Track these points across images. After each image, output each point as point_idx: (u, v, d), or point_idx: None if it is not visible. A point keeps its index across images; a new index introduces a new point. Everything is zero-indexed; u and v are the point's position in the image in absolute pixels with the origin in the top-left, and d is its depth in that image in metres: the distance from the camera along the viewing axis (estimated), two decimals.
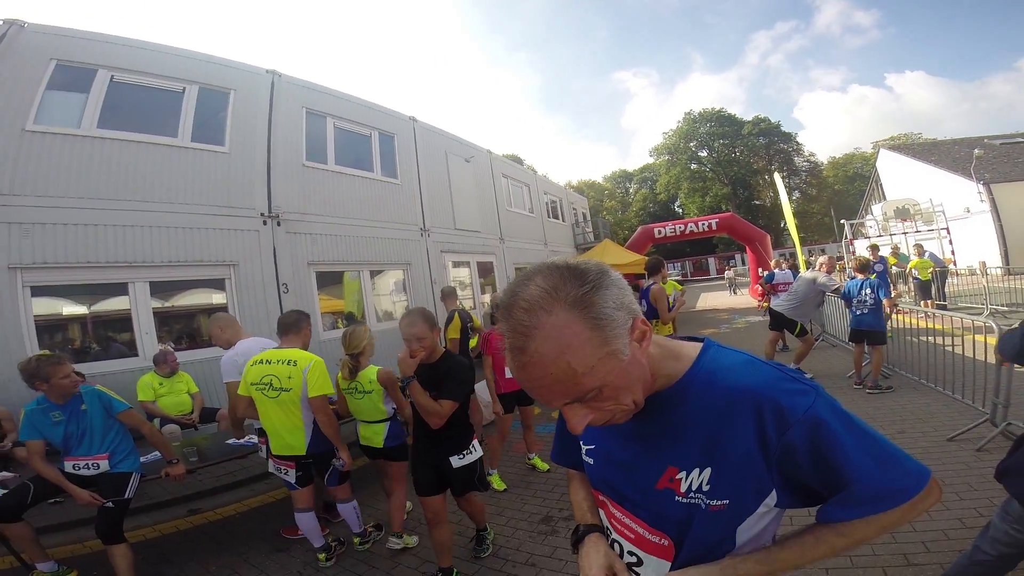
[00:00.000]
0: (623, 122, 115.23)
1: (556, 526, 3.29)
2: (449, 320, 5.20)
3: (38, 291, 4.82)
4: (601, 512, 1.02)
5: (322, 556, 3.03)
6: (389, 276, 8.97)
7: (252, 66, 7.09)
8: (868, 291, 5.34)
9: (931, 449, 3.67)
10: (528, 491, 3.91)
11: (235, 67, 6.81)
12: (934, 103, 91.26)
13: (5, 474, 3.48)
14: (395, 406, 3.15)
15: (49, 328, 4.99)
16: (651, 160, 53.57)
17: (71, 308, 5.19)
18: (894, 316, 5.78)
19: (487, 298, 10.75)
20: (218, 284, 6.18)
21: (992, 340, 3.73)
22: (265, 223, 6.58)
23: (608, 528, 0.99)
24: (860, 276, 5.56)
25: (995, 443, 3.52)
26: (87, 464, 2.76)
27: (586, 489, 1.10)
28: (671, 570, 0.88)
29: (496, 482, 3.96)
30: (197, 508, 4.03)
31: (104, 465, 2.77)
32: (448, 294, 5.58)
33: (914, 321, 5.94)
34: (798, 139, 48.52)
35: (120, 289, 5.36)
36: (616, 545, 0.96)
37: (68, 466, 2.77)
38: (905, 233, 15.13)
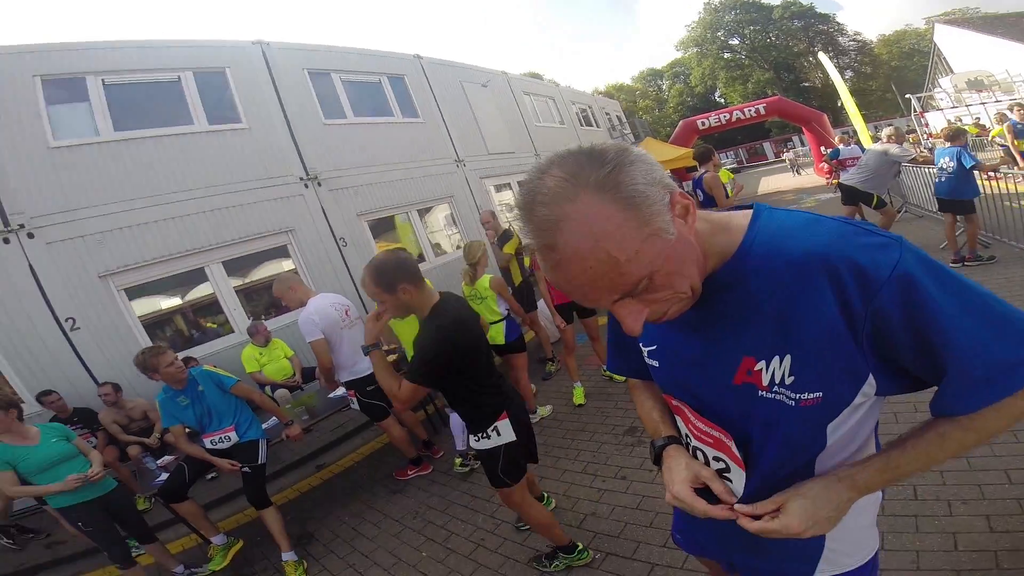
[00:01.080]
0: (639, 21, 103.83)
1: (642, 436, 3.27)
2: (507, 238, 4.89)
3: (132, 293, 5.26)
4: (678, 419, 0.92)
5: (458, 461, 3.54)
6: (437, 212, 9.23)
7: (238, 41, 6.95)
8: (947, 159, 5.06)
9: None
10: (609, 402, 3.89)
11: (220, 46, 6.69)
12: None
13: (166, 458, 3.95)
14: (508, 307, 3.78)
15: (156, 324, 5.52)
16: (679, 55, 49.11)
17: (167, 301, 5.68)
18: (987, 184, 5.36)
19: None
20: (282, 251, 6.53)
21: None
22: (307, 185, 6.78)
23: (687, 435, 0.89)
24: (949, 145, 5.16)
25: None
26: (220, 438, 3.09)
27: (653, 398, 1.01)
28: (749, 478, 0.81)
29: (577, 396, 4.02)
30: (323, 463, 4.39)
31: (234, 437, 3.09)
32: (486, 220, 5.33)
33: (1011, 186, 5.37)
34: (838, 20, 43.26)
35: (200, 275, 5.78)
36: (700, 454, 0.86)
37: (207, 443, 3.10)
38: (983, 103, 13.56)
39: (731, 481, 0.83)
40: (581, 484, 3.00)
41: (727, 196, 4.89)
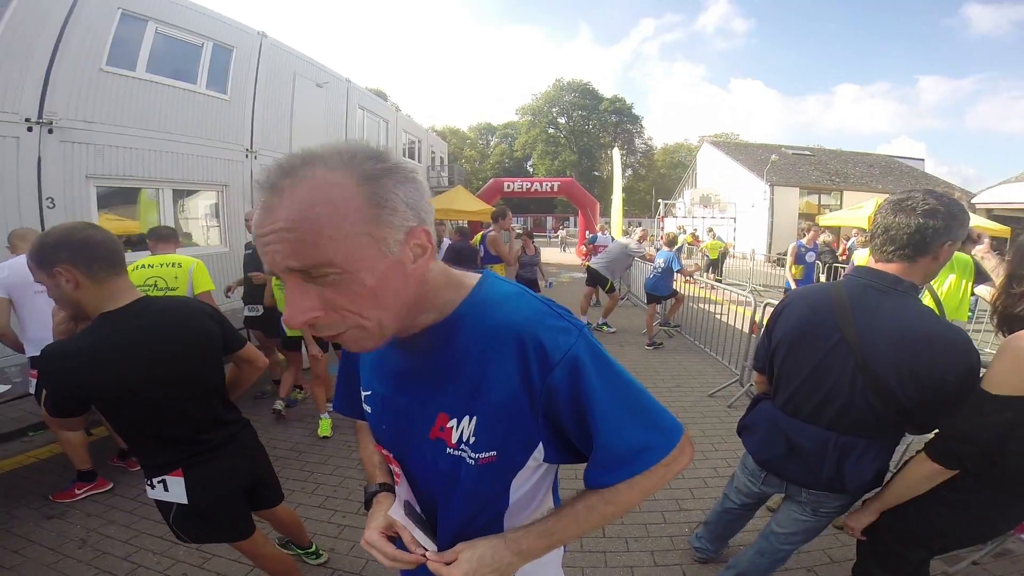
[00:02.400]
0: (500, 75, 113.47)
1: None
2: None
3: None
4: (391, 468, 0.92)
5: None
6: (203, 197, 8.06)
7: None
8: (661, 260, 6.49)
9: (697, 403, 4.39)
10: (356, 437, 3.74)
11: None
12: (759, 109, 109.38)
13: None
14: None
15: None
16: (516, 119, 54.51)
17: None
18: (684, 285, 7.14)
19: None
20: None
21: (749, 312, 4.59)
22: (30, 129, 5.28)
23: (396, 485, 0.91)
24: (667, 249, 6.73)
25: (741, 401, 4.19)
26: None
27: (373, 443, 1.00)
28: (441, 532, 0.83)
29: (323, 427, 3.78)
30: None
31: None
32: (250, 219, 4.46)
33: (698, 291, 7.35)
34: (643, 123, 54.18)
35: None
36: (406, 504, 0.88)
37: None
38: (703, 218, 18.27)
39: (424, 534, 0.83)
40: (319, 519, 2.78)
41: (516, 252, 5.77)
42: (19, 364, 3.26)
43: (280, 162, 0.59)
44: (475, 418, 0.73)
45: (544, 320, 0.71)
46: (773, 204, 22.08)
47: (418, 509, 0.86)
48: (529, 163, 52.97)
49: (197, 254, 6.88)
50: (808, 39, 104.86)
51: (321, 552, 2.47)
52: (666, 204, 18.88)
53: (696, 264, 10.99)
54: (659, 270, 6.43)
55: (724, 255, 14.01)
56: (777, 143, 30.16)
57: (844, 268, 8.27)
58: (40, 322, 2.74)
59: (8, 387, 3.25)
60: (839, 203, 22.74)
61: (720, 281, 11.31)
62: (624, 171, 26.48)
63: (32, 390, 2.89)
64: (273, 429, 3.84)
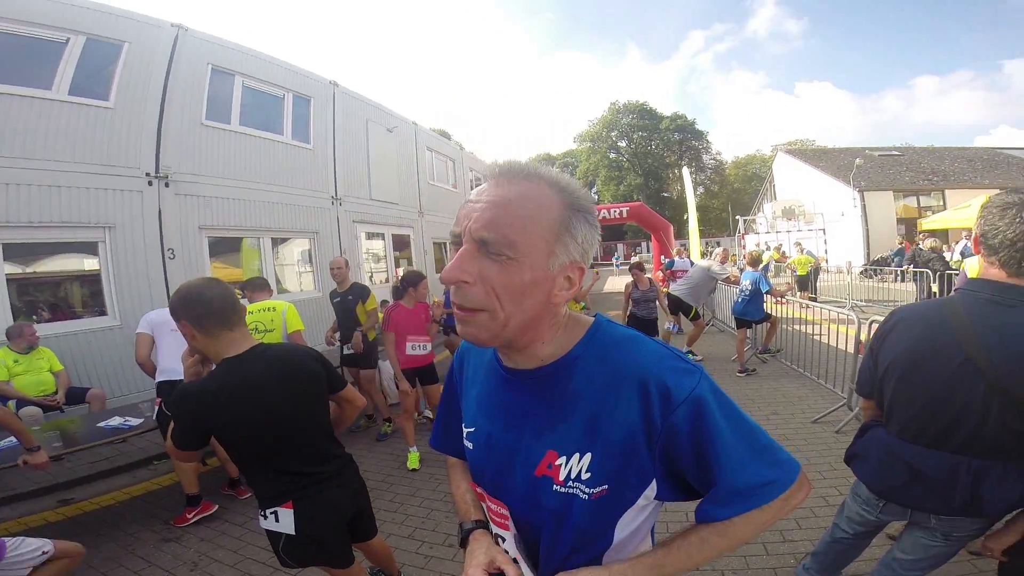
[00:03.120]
0: (554, 104, 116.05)
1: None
2: (365, 293, 4.59)
3: None
4: (483, 505, 0.94)
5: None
6: (294, 244, 8.55)
7: (154, 18, 6.23)
8: (747, 282, 6.01)
9: (799, 430, 4.12)
10: (442, 469, 3.80)
11: (133, 18, 5.94)
12: (832, 112, 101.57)
13: None
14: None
15: None
16: (574, 146, 54.86)
17: None
18: (775, 306, 6.54)
19: (400, 271, 10.60)
20: (90, 248, 5.46)
21: (851, 331, 4.27)
22: (150, 183, 5.90)
23: (490, 523, 0.93)
24: (751, 269, 6.21)
25: (850, 426, 3.91)
26: None
27: (468, 480, 1.03)
28: (540, 567, 0.84)
29: (412, 460, 3.91)
30: (69, 498, 3.62)
31: None
32: (339, 267, 4.62)
33: (791, 311, 6.75)
34: (708, 137, 52.07)
35: None
36: (499, 540, 0.90)
37: None
38: (789, 231, 17.00)
39: (524, 569, 0.85)
40: (407, 550, 2.83)
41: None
42: (151, 399, 3.59)
43: (514, 162, 0.74)
44: (590, 455, 0.76)
45: (667, 362, 0.76)
46: (865, 211, 20.05)
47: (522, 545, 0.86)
48: (593, 190, 52.68)
49: (292, 300, 7.28)
50: (869, 33, 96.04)
51: None
52: (745, 220, 17.86)
53: (787, 284, 10.08)
54: (747, 293, 5.98)
55: (816, 270, 12.82)
56: (859, 146, 27.61)
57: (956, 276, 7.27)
58: (170, 356, 3.26)
59: (141, 420, 3.60)
60: (942, 203, 20.19)
61: (815, 299, 10.37)
62: (695, 189, 25.42)
63: (155, 416, 3.33)
64: (366, 461, 3.95)
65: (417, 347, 3.94)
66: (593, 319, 0.84)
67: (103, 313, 5.48)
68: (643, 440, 0.74)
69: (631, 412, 0.74)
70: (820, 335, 5.61)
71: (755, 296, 5.97)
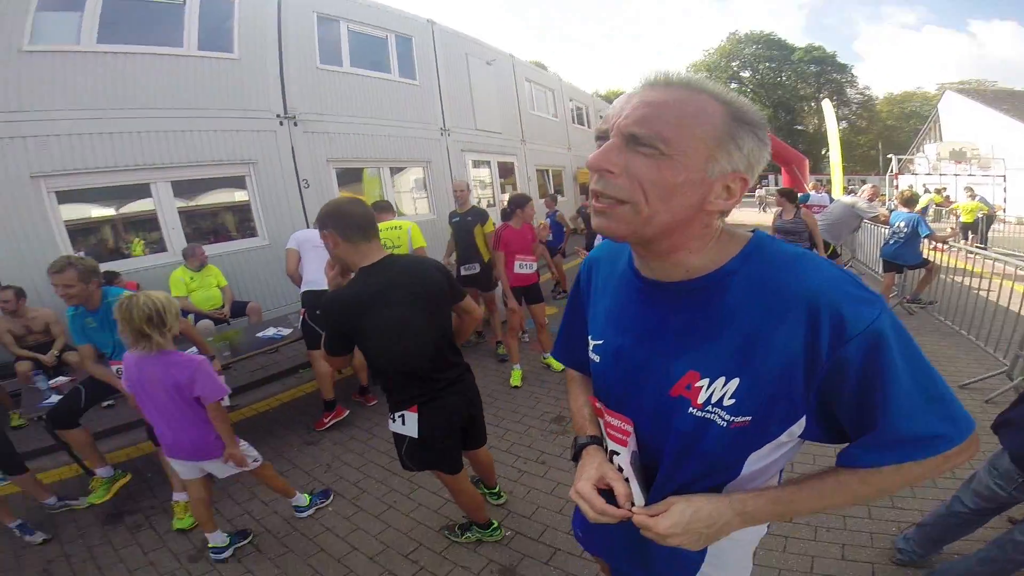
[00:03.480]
0: (662, 37, 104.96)
1: (567, 426, 3.38)
2: (483, 217, 4.57)
3: (64, 197, 4.90)
4: (600, 421, 0.91)
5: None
6: (409, 174, 9.20)
7: None
8: (902, 223, 5.30)
9: None
10: (542, 389, 4.00)
11: None
12: (1019, 54, 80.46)
13: (60, 379, 3.54)
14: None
15: (82, 232, 5.15)
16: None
17: (99, 211, 5.32)
18: (934, 254, 5.65)
19: (506, 197, 10.92)
20: (239, 182, 6.28)
21: None
22: (281, 123, 6.58)
23: (604, 438, 0.89)
24: (904, 209, 5.46)
25: (1005, 397, 3.41)
26: None
27: (587, 394, 1.02)
28: (653, 489, 0.82)
29: (515, 377, 4.09)
30: (234, 405, 4.09)
31: None
32: (461, 189, 4.73)
33: (953, 260, 5.73)
34: (853, 72, 44.57)
35: (143, 191, 5.46)
36: (614, 456, 0.86)
37: (112, 370, 2.79)
38: (956, 175, 14.21)
39: (635, 489, 0.81)
40: (503, 463, 3.01)
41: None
42: (297, 311, 4.06)
43: (671, 71, 0.68)
44: (738, 380, 0.70)
45: (845, 288, 0.66)
46: None
47: (639, 462, 0.83)
48: None
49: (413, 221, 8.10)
50: None
51: (502, 493, 2.64)
52: (900, 160, 15.21)
53: (952, 228, 8.59)
54: (902, 235, 5.25)
55: (989, 220, 10.65)
56: None
57: None
58: (313, 269, 3.66)
59: (291, 330, 4.13)
60: None
61: (985, 248, 8.68)
62: (838, 123, 21.97)
63: (300, 326, 3.78)
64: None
65: (524, 266, 4.05)
66: (752, 233, 0.76)
67: (255, 235, 6.40)
68: (801, 371, 0.66)
69: (794, 339, 0.66)
70: (986, 291, 4.72)
71: (912, 239, 5.25)
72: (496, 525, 2.34)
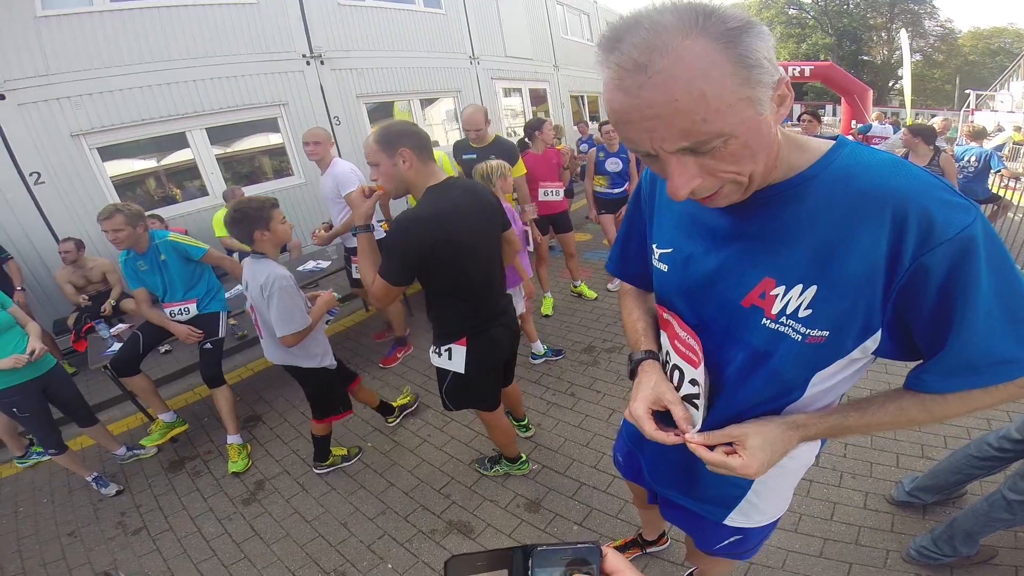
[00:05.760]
0: None
1: (597, 357, 3.37)
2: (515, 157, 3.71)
3: (107, 153, 5.04)
4: (663, 333, 0.89)
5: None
6: (440, 105, 9.03)
7: None
8: (972, 157, 4.88)
9: None
10: (573, 319, 3.94)
11: None
12: None
13: (120, 326, 3.67)
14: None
15: (128, 185, 5.33)
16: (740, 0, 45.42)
17: (142, 164, 5.46)
18: (1005, 192, 5.23)
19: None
20: (272, 125, 6.31)
21: None
22: (308, 63, 6.47)
23: (669, 352, 0.86)
24: (973, 144, 5.04)
25: None
26: (180, 309, 2.91)
27: (641, 308, 0.99)
28: (713, 410, 0.80)
29: (546, 306, 4.07)
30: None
31: (193, 309, 2.92)
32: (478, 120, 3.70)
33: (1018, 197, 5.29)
34: (934, 2, 39.16)
35: (181, 140, 5.56)
36: (677, 372, 0.84)
37: (166, 313, 2.92)
38: None
39: (697, 409, 0.79)
40: (532, 394, 3.06)
41: None
42: (336, 244, 4.07)
43: (621, 35, 0.56)
44: (815, 288, 0.66)
45: (936, 192, 0.61)
46: None
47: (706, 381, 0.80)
48: None
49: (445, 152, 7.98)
50: None
51: (530, 426, 2.72)
52: (979, 95, 13.69)
53: None
54: (971, 169, 4.82)
55: None
56: None
57: None
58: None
59: (329, 263, 4.27)
60: None
61: None
62: (912, 55, 19.76)
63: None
64: None
65: (550, 193, 3.86)
66: (836, 140, 0.70)
67: (290, 174, 6.53)
68: (882, 279, 0.63)
69: (877, 243, 0.62)
70: None
71: (982, 172, 4.85)
72: (524, 459, 2.43)
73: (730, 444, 0.74)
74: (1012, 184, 5.21)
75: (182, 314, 2.92)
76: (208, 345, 2.91)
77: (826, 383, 0.74)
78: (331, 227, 3.38)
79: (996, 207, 5.07)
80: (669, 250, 0.84)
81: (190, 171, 5.71)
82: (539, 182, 3.79)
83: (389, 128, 1.67)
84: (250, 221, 2.10)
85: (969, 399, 0.66)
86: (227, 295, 3.31)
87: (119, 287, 4.14)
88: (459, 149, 3.73)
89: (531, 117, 10.93)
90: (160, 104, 5.22)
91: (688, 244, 0.80)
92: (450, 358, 1.85)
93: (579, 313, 4.03)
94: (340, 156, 4.45)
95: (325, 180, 3.36)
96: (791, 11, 41.17)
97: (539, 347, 3.42)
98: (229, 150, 6.03)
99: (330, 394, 2.44)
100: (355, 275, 3.55)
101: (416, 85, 8.08)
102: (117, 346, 3.16)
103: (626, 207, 1.03)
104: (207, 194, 5.73)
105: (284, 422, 3.20)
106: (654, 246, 0.89)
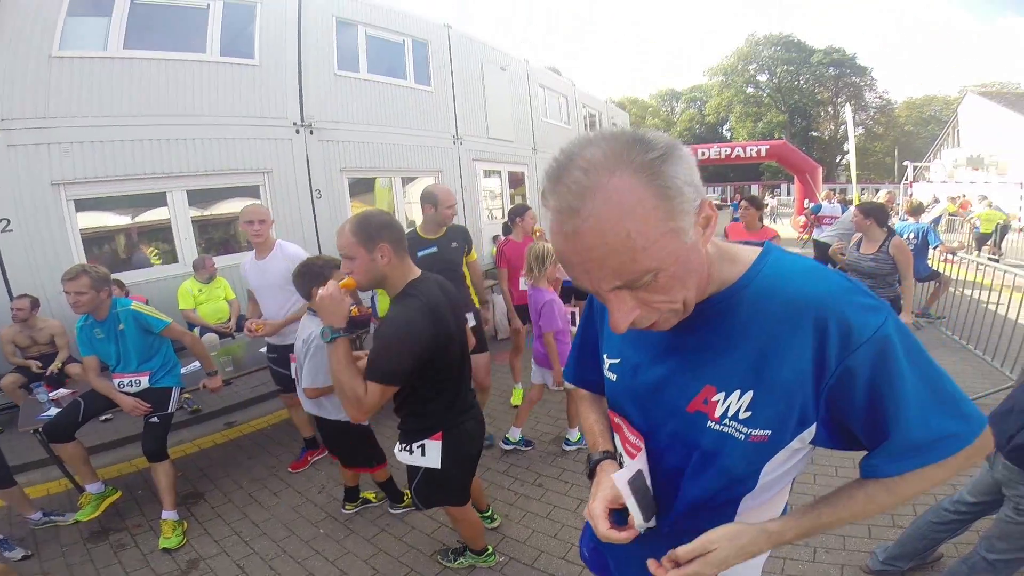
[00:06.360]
0: (678, 40, 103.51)
1: (565, 447, 3.34)
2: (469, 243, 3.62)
3: (82, 205, 5.02)
4: (615, 436, 0.93)
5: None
6: (420, 183, 9.09)
7: None
8: (911, 234, 5.22)
9: None
10: (542, 410, 3.90)
11: None
12: None
13: (61, 391, 3.52)
14: None
15: (96, 240, 5.25)
16: (703, 81, 49.30)
17: (114, 219, 5.41)
18: (945, 266, 5.57)
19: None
20: (253, 191, 6.35)
21: None
22: (298, 132, 6.63)
23: (621, 454, 0.91)
24: (912, 219, 5.42)
25: None
26: (131, 381, 2.80)
27: (598, 412, 1.04)
28: (673, 507, 0.83)
29: (516, 396, 4.05)
30: (233, 421, 4.08)
31: (145, 382, 2.81)
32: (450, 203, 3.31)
33: (964, 273, 5.65)
34: (872, 74, 43.59)
35: (159, 199, 5.56)
36: (638, 472, 0.87)
37: (115, 383, 2.81)
38: (972, 183, 13.93)
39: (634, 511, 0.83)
40: (500, 485, 3.01)
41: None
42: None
43: (559, 175, 0.61)
44: (752, 392, 0.71)
45: (850, 297, 0.67)
46: None
47: (648, 481, 0.84)
48: (726, 127, 47.45)
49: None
50: None
51: (496, 516, 2.65)
52: (916, 167, 14.97)
53: (959, 243, 8.44)
54: (912, 246, 5.11)
55: (1004, 229, 10.45)
56: None
57: None
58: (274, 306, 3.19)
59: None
60: None
61: (998, 260, 8.50)
62: (855, 129, 21.63)
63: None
64: None
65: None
66: (761, 247, 0.78)
67: None
68: (811, 381, 0.68)
69: (803, 349, 0.67)
70: (996, 304, 4.60)
71: (922, 249, 5.18)
72: (491, 551, 2.35)
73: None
74: (950, 258, 5.56)
75: (132, 386, 2.80)
76: (155, 419, 2.78)
77: (776, 472, 0.79)
78: (260, 318, 3.16)
79: (937, 283, 5.40)
80: (618, 360, 0.89)
81: (162, 232, 5.65)
82: (519, 271, 3.71)
83: (369, 220, 1.64)
84: (312, 277, 2.26)
85: (926, 475, 0.70)
86: (184, 370, 3.18)
87: (67, 351, 3.97)
88: (415, 245, 3.02)
89: (509, 200, 11.22)
90: (147, 160, 5.23)
91: (635, 355, 0.86)
92: (423, 454, 1.80)
93: (548, 404, 3.98)
94: (298, 233, 4.42)
95: (270, 264, 3.05)
96: (749, 90, 44.90)
97: (516, 433, 3.37)
98: (206, 213, 6.02)
99: (354, 446, 2.59)
100: (291, 374, 2.86)
101: (399, 162, 8.21)
102: (54, 411, 3.00)
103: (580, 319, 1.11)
104: (176, 260, 5.64)
105: (228, 502, 3.04)
106: (605, 356, 0.94)
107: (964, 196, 13.83)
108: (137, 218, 5.56)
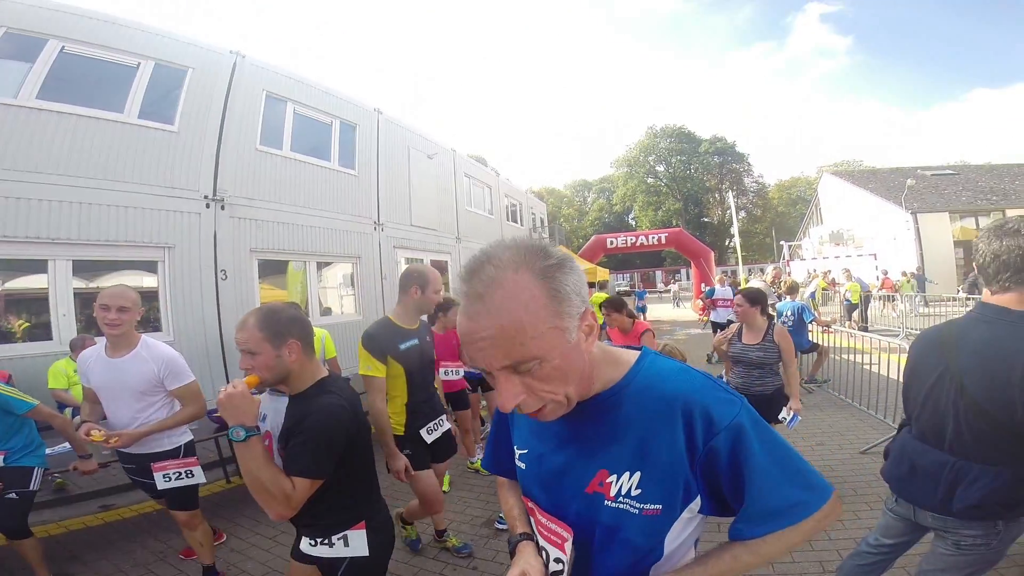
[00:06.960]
0: (591, 131, 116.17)
1: (497, 528, 3.30)
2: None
3: None
4: (531, 519, 1.02)
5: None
6: (337, 268, 8.75)
7: (214, 45, 6.70)
8: (788, 312, 5.88)
9: (847, 461, 3.96)
10: (471, 494, 3.92)
11: (196, 45, 6.43)
12: (882, 131, 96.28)
13: None
14: None
15: None
16: (611, 172, 54.88)
17: None
18: (822, 336, 6.27)
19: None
20: (150, 267, 5.79)
21: (904, 360, 4.05)
22: (208, 206, 6.20)
23: (536, 535, 0.99)
24: (789, 298, 6.13)
25: None
26: None
27: (516, 496, 1.12)
28: None
29: (443, 483, 3.83)
30: (110, 504, 3.82)
31: (0, 461, 2.60)
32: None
33: (839, 340, 6.45)
34: (750, 160, 50.94)
35: (39, 266, 4.93)
36: (544, 552, 0.96)
37: None
38: (837, 257, 16.27)
39: None
40: (431, 571, 2.86)
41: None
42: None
43: (475, 268, 0.74)
44: (640, 473, 0.83)
45: (710, 392, 0.83)
46: (919, 234, 18.97)
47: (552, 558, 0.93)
48: (631, 216, 52.35)
49: (334, 323, 7.58)
50: (917, 48, 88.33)
51: None
52: (790, 246, 17.29)
53: (832, 317, 9.66)
54: (790, 323, 5.77)
55: (867, 299, 12.19)
56: (911, 165, 25.63)
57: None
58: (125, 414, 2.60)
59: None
60: None
61: (866, 329, 9.82)
62: (738, 213, 24.80)
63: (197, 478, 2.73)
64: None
65: (451, 372, 4.08)
66: (640, 352, 0.93)
67: (158, 329, 5.69)
68: (686, 461, 0.81)
69: (676, 435, 0.81)
70: (870, 364, 5.36)
71: (799, 326, 5.80)
72: None
73: None
74: (827, 329, 6.39)
75: None
76: (12, 495, 2.58)
77: (679, 539, 0.88)
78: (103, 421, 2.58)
79: (818, 353, 6.09)
80: (526, 451, 1.01)
81: (38, 303, 4.95)
82: (441, 361, 3.89)
83: (277, 315, 1.61)
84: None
85: (783, 537, 0.82)
86: (54, 450, 2.95)
87: None
88: (395, 337, 2.67)
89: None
90: (31, 221, 4.68)
91: (539, 445, 0.97)
92: (346, 544, 1.70)
93: (476, 488, 4.04)
94: (197, 316, 3.90)
95: (129, 365, 2.48)
96: (649, 180, 50.36)
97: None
98: (92, 285, 5.36)
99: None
100: (160, 486, 2.57)
101: (315, 246, 7.78)
102: None
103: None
104: (50, 337, 4.91)
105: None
106: (515, 447, 1.05)
107: (829, 272, 16.13)
108: (8, 284, 4.90)
